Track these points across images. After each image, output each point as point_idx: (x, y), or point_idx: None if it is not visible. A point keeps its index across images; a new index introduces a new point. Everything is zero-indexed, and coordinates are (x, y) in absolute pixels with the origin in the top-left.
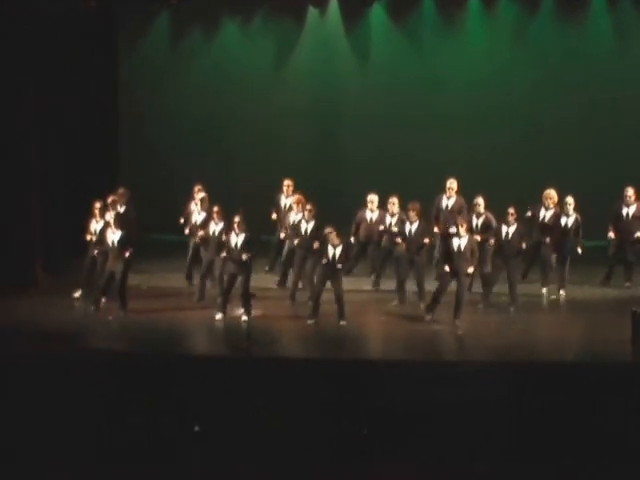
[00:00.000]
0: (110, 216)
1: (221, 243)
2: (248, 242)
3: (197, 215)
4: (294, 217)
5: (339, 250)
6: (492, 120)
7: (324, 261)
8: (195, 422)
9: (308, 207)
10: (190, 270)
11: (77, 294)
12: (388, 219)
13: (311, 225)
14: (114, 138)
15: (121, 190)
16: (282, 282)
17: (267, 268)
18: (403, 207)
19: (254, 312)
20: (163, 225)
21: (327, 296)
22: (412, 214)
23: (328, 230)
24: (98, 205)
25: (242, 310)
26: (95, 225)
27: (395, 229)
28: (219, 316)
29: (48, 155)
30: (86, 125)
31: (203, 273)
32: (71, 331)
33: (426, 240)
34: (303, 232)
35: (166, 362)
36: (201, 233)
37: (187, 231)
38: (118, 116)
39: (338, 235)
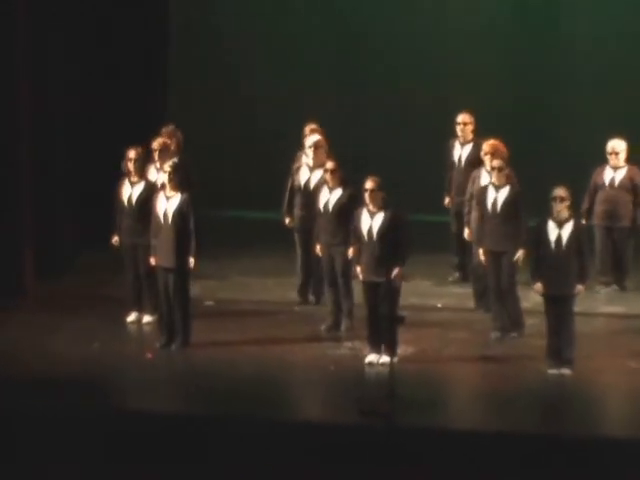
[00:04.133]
0: (159, 172)
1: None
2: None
3: (306, 174)
4: (485, 179)
5: (568, 230)
6: None
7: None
8: None
9: (506, 171)
10: (306, 279)
11: (131, 317)
12: None
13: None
14: (159, 73)
15: (170, 127)
16: (480, 297)
17: (452, 278)
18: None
19: (401, 350)
20: (234, 196)
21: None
22: None
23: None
24: (133, 155)
25: (380, 359)
26: (130, 190)
27: None
28: (371, 357)
29: (48, 105)
30: (116, 60)
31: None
32: (82, 375)
33: None
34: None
35: (244, 431)
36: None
37: (287, 220)
38: (168, 36)
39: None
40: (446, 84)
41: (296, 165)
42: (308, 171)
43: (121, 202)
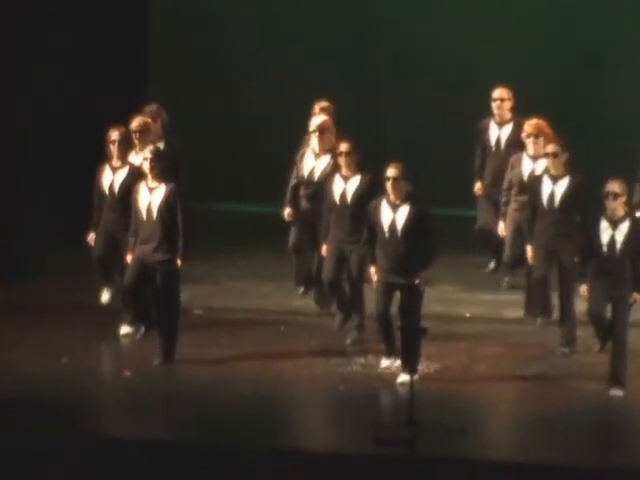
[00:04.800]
0: (141, 156)
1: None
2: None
3: (311, 161)
4: (527, 165)
5: (623, 231)
6: None
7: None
8: None
9: (563, 158)
10: (306, 278)
11: (125, 330)
12: None
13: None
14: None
15: (153, 106)
16: (532, 306)
17: (492, 265)
18: None
19: (423, 367)
20: (227, 186)
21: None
22: None
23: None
24: (116, 136)
25: (395, 362)
26: (111, 177)
27: None
28: (386, 362)
29: (9, 87)
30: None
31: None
32: (48, 396)
33: None
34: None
35: (238, 462)
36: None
37: (287, 212)
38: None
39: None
40: (477, 55)
41: (301, 151)
42: (313, 158)
43: (101, 192)
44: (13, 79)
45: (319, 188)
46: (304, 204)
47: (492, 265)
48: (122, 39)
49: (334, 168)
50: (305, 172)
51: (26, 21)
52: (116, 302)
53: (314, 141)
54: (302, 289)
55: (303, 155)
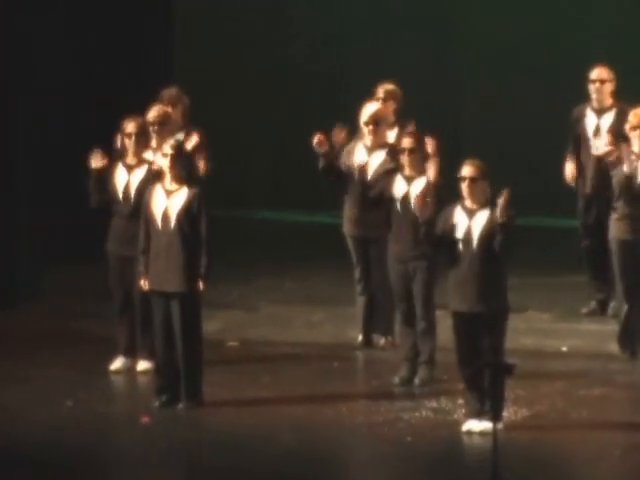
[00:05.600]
0: (159, 153)
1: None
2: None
3: (363, 156)
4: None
5: None
6: None
7: None
8: None
9: None
10: (369, 310)
11: (142, 366)
12: None
13: None
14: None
15: (173, 91)
16: (629, 342)
17: (587, 309)
18: None
19: (509, 413)
20: (265, 191)
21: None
22: None
23: None
24: (133, 128)
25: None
26: (125, 177)
27: None
28: (471, 424)
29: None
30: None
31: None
32: (50, 446)
33: None
34: None
35: None
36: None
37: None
38: None
39: None
40: (561, 49)
41: (350, 145)
42: (365, 153)
43: (113, 193)
44: (13, 80)
45: (372, 191)
46: (353, 213)
47: (593, 304)
48: (142, 32)
49: (395, 167)
50: (355, 170)
51: (28, 20)
52: (128, 371)
53: (366, 134)
54: (383, 340)
55: (352, 149)
